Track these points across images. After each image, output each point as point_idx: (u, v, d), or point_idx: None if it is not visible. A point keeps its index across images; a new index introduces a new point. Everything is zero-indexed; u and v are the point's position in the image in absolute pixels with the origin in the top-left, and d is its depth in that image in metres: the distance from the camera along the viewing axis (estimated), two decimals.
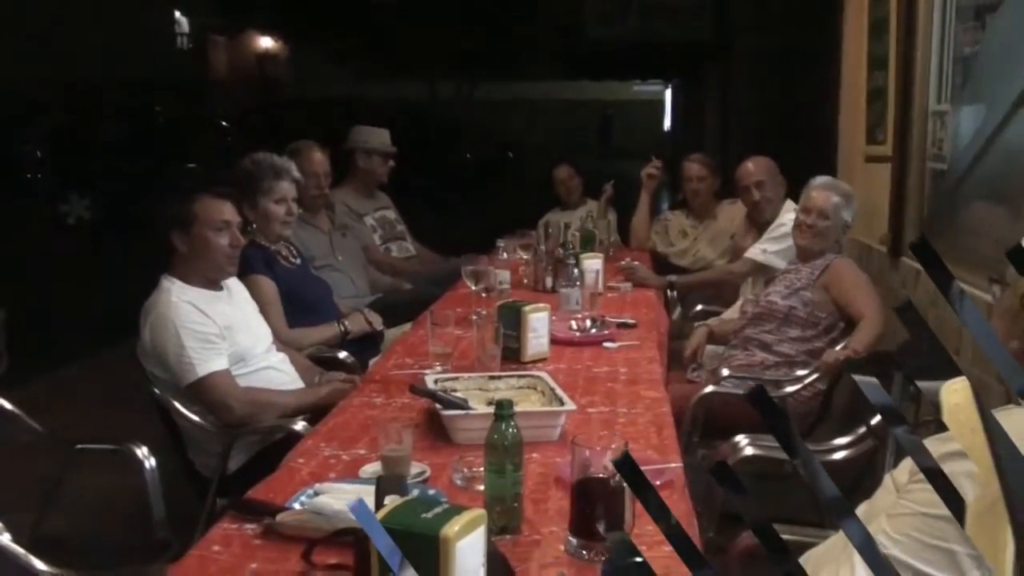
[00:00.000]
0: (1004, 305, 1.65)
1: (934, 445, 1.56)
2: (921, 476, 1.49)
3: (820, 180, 4.00)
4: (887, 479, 1.73)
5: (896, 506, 1.56)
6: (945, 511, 1.44)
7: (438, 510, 1.51)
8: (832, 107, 5.84)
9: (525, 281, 4.61)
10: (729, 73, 14.35)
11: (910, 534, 1.49)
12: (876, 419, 2.68)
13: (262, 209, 3.84)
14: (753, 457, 2.84)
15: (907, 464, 1.68)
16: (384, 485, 1.74)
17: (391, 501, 1.62)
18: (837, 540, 1.79)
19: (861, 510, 1.77)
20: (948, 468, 1.46)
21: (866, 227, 4.72)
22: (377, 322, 4.15)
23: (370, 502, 1.74)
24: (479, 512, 1.53)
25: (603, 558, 1.75)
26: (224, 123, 17.46)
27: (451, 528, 1.45)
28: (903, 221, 4.34)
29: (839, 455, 2.80)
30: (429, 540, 1.44)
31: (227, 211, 3.24)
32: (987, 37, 3.61)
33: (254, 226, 3.83)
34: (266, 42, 26.13)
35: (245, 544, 1.86)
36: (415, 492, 1.94)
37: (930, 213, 4.24)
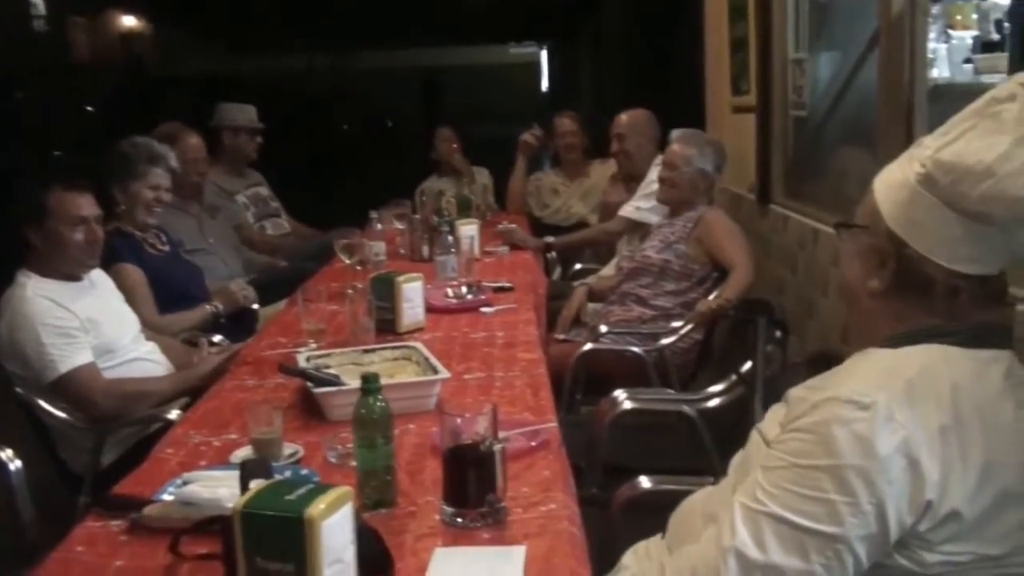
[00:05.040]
0: (864, 242, 1.60)
1: (806, 393, 1.56)
2: (793, 426, 1.49)
3: (676, 133, 4.07)
4: (754, 433, 1.71)
5: (769, 458, 1.52)
6: (819, 460, 1.44)
7: (302, 491, 1.47)
8: (698, 59, 5.91)
9: (402, 251, 4.58)
10: (600, 31, 14.42)
11: (785, 487, 1.46)
12: (746, 366, 2.73)
13: (132, 193, 3.76)
14: (632, 410, 2.87)
15: (775, 416, 1.66)
16: (248, 469, 1.70)
17: (256, 485, 1.58)
18: (725, 488, 1.78)
19: (736, 461, 1.77)
20: (820, 416, 1.46)
21: (736, 176, 4.80)
22: (247, 293, 4.07)
23: (237, 487, 1.70)
24: (345, 489, 1.50)
25: (478, 524, 1.75)
26: (89, 108, 16.83)
27: (315, 508, 1.42)
28: (769, 169, 4.42)
29: (713, 403, 2.85)
30: (294, 522, 1.41)
31: (84, 205, 3.11)
32: None
33: (123, 208, 3.73)
34: (130, 20, 25.27)
35: (111, 542, 1.79)
36: (287, 473, 1.91)
37: (794, 160, 4.34)
